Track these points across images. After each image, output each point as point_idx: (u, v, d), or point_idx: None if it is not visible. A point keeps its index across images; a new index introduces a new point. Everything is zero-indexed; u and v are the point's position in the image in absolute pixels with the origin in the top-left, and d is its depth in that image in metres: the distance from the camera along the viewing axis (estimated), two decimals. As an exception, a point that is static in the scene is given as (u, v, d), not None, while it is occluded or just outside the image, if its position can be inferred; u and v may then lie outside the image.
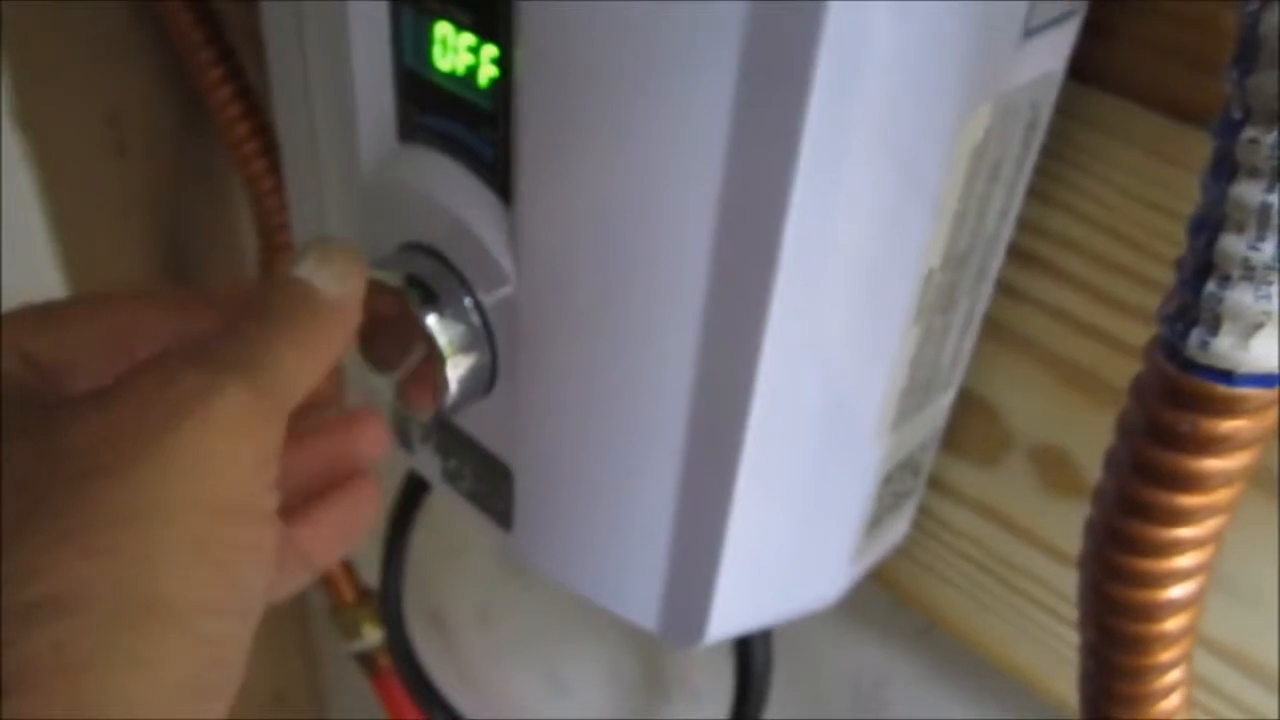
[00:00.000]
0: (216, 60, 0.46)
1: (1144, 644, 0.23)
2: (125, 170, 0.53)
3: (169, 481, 0.19)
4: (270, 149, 0.47)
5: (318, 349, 0.23)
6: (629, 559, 0.29)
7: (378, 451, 0.30)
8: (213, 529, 0.19)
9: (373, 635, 0.61)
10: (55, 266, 0.52)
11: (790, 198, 0.21)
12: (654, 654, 0.54)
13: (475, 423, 0.30)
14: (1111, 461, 0.22)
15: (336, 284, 0.24)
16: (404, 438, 0.34)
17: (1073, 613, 0.32)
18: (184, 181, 0.56)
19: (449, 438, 0.31)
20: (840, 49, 0.19)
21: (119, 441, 0.19)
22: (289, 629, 0.79)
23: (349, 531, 0.28)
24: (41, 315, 0.24)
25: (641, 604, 0.30)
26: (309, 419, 0.28)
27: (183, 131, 0.55)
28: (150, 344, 0.24)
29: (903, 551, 0.35)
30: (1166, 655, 0.23)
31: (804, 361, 0.24)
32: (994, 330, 0.30)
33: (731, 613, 0.29)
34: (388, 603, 0.50)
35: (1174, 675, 0.24)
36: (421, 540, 0.47)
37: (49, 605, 0.18)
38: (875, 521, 0.31)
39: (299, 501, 0.28)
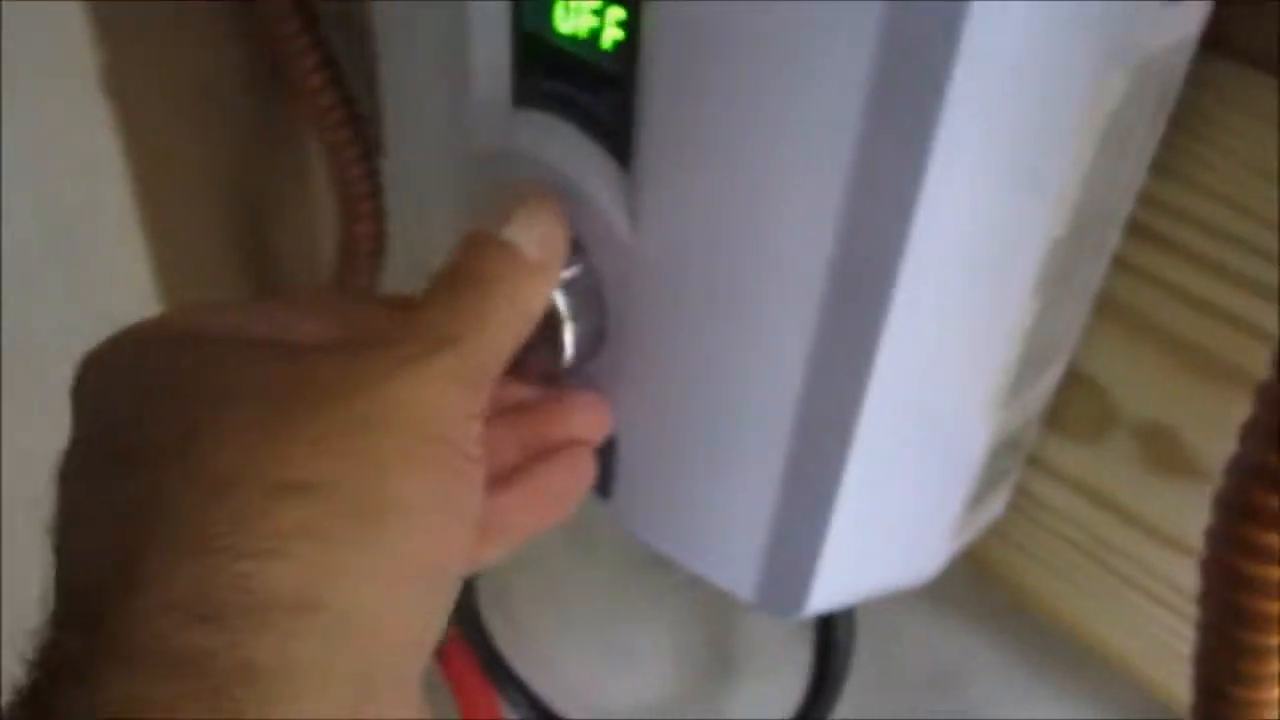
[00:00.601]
0: (301, 29, 0.46)
1: (1273, 621, 0.23)
2: (208, 139, 0.53)
3: (394, 409, 0.21)
4: (353, 119, 0.47)
5: (521, 315, 0.25)
6: (730, 528, 0.29)
7: (595, 435, 0.29)
8: (431, 449, 0.22)
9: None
10: (139, 232, 0.52)
11: (925, 171, 0.21)
12: (722, 628, 0.54)
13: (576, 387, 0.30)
14: (1250, 431, 0.21)
15: (539, 246, 0.25)
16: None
17: (1174, 598, 0.32)
18: (264, 152, 0.56)
19: (549, 405, 0.31)
20: (985, 16, 0.19)
21: (354, 375, 0.21)
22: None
23: (557, 501, 0.29)
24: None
25: (740, 573, 0.30)
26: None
27: (263, 101, 0.55)
28: None
29: (992, 529, 0.35)
30: (1294, 634, 0.23)
31: (925, 334, 0.24)
32: (1103, 304, 0.30)
33: (832, 586, 0.29)
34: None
35: (1300, 654, 0.23)
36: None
37: (299, 489, 0.20)
38: (977, 499, 0.30)
39: (508, 471, 0.28)
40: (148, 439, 0.21)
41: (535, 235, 0.25)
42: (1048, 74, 0.21)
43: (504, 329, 0.24)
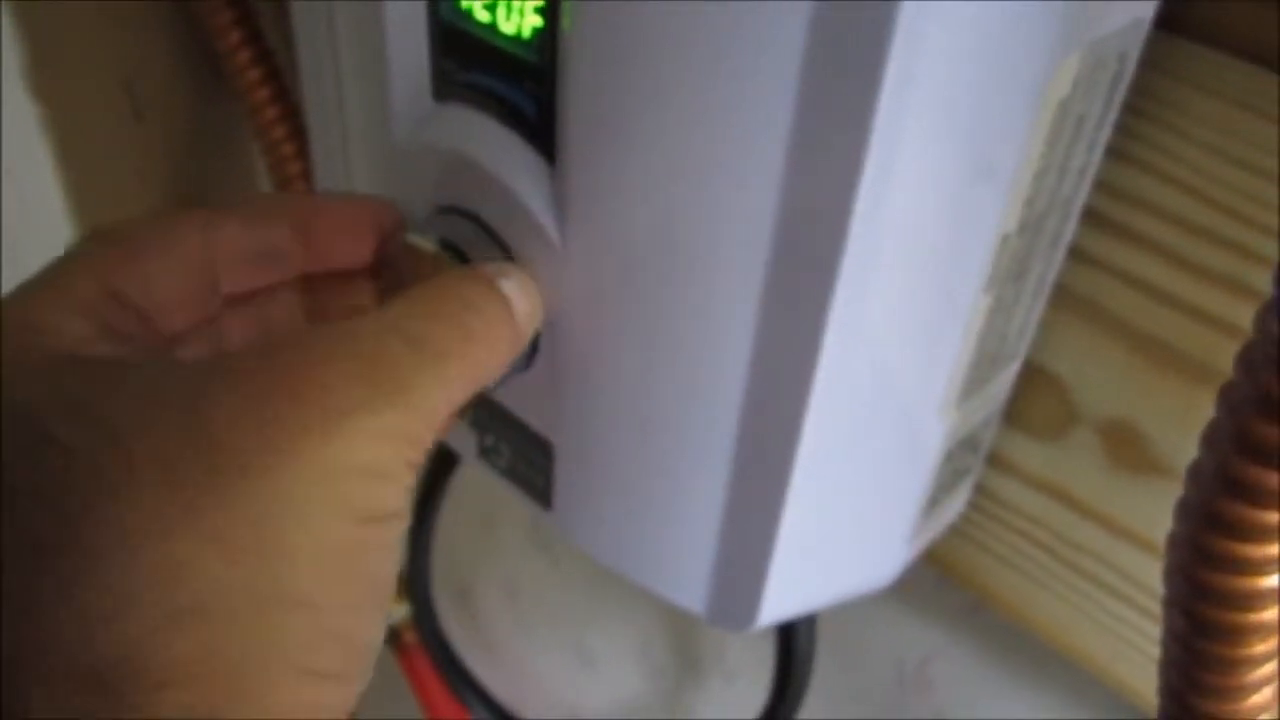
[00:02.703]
0: (236, 22, 0.44)
1: (1238, 634, 0.22)
2: (142, 136, 0.51)
3: (315, 486, 0.18)
4: (290, 114, 0.46)
5: (487, 370, 0.22)
6: (676, 541, 0.28)
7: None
8: (354, 533, 0.19)
9: (398, 611, 0.60)
10: (73, 233, 0.50)
11: (863, 163, 0.19)
12: (687, 631, 0.52)
13: (514, 397, 0.29)
14: (1213, 436, 0.20)
15: (525, 316, 0.24)
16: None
17: (1139, 596, 0.31)
18: (202, 148, 0.54)
19: (485, 412, 0.30)
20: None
21: (272, 441, 0.18)
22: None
23: None
24: (121, 247, 0.22)
25: (689, 587, 0.28)
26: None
27: (200, 97, 0.53)
28: (231, 270, 0.24)
29: (954, 529, 0.34)
30: (1262, 647, 0.22)
31: (870, 335, 0.23)
32: (1062, 298, 0.29)
33: (784, 597, 0.28)
34: (415, 578, 0.48)
35: (1268, 668, 0.22)
36: (448, 515, 0.46)
37: (197, 612, 0.18)
38: (934, 501, 0.29)
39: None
40: (17, 524, 0.18)
41: (525, 302, 0.23)
42: (995, 57, 0.20)
43: (469, 374, 0.22)
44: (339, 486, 0.19)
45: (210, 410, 0.18)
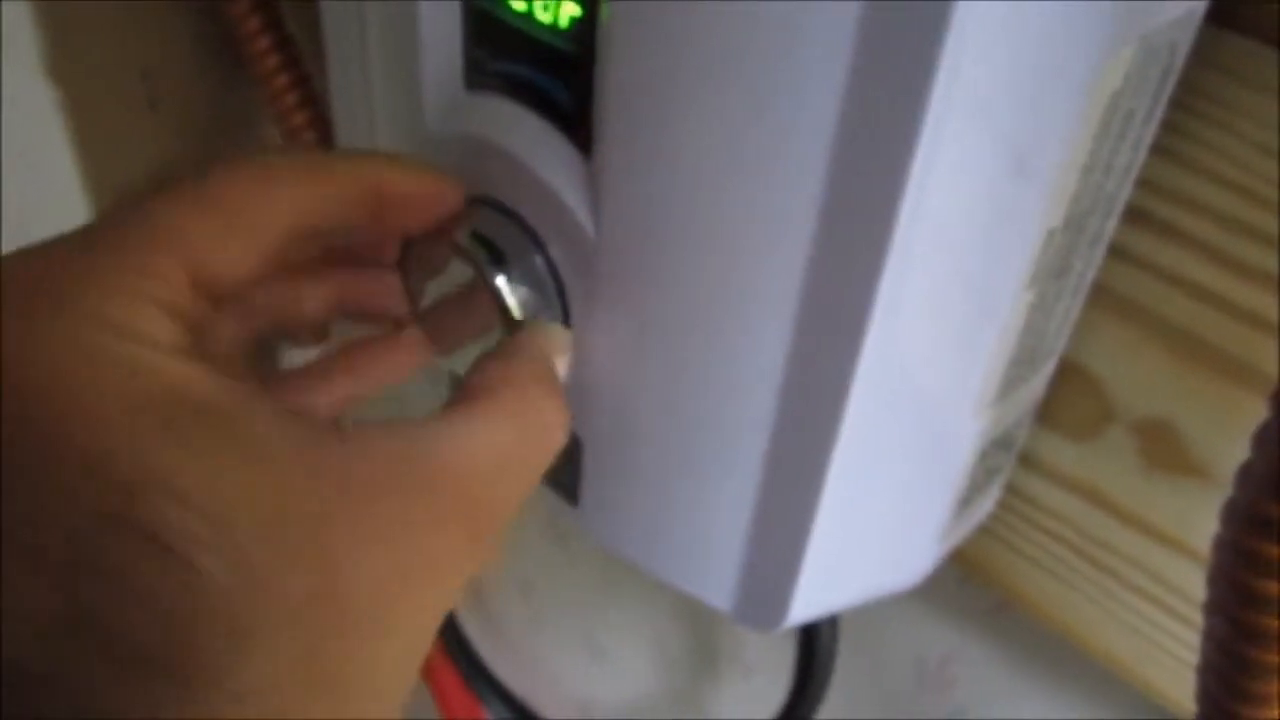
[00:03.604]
0: (254, 8, 0.44)
1: (1284, 640, 0.21)
2: (159, 124, 0.51)
3: (405, 636, 0.18)
4: (310, 101, 0.45)
5: (543, 459, 0.22)
6: (706, 539, 0.27)
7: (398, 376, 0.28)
8: (414, 668, 0.19)
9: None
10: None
11: (911, 159, 0.19)
12: (704, 626, 0.52)
13: (542, 391, 0.28)
14: (1265, 439, 0.20)
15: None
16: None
17: (1171, 598, 0.31)
18: (219, 136, 0.54)
19: (512, 407, 0.29)
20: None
21: (394, 601, 0.17)
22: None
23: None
24: (213, 214, 0.19)
25: (716, 585, 0.28)
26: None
27: (217, 85, 0.53)
28: (299, 235, 0.21)
29: (983, 529, 0.34)
30: (1308, 652, 0.21)
31: (910, 332, 0.22)
32: (1100, 296, 0.28)
33: (814, 596, 0.27)
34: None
35: (1314, 674, 0.22)
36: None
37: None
38: (966, 500, 0.29)
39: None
40: (116, 625, 0.15)
41: (563, 373, 0.24)
42: (1046, 53, 0.19)
43: (526, 494, 0.21)
44: (422, 629, 0.19)
45: (342, 551, 0.17)
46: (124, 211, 0.18)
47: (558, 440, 0.22)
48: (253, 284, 0.20)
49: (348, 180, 0.22)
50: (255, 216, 0.20)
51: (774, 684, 0.40)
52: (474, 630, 0.52)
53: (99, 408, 0.15)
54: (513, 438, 0.20)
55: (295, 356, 0.50)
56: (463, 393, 0.20)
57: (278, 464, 0.16)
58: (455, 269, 0.25)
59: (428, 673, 0.60)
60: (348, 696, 0.17)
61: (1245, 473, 0.20)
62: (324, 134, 0.45)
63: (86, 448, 0.15)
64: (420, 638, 0.19)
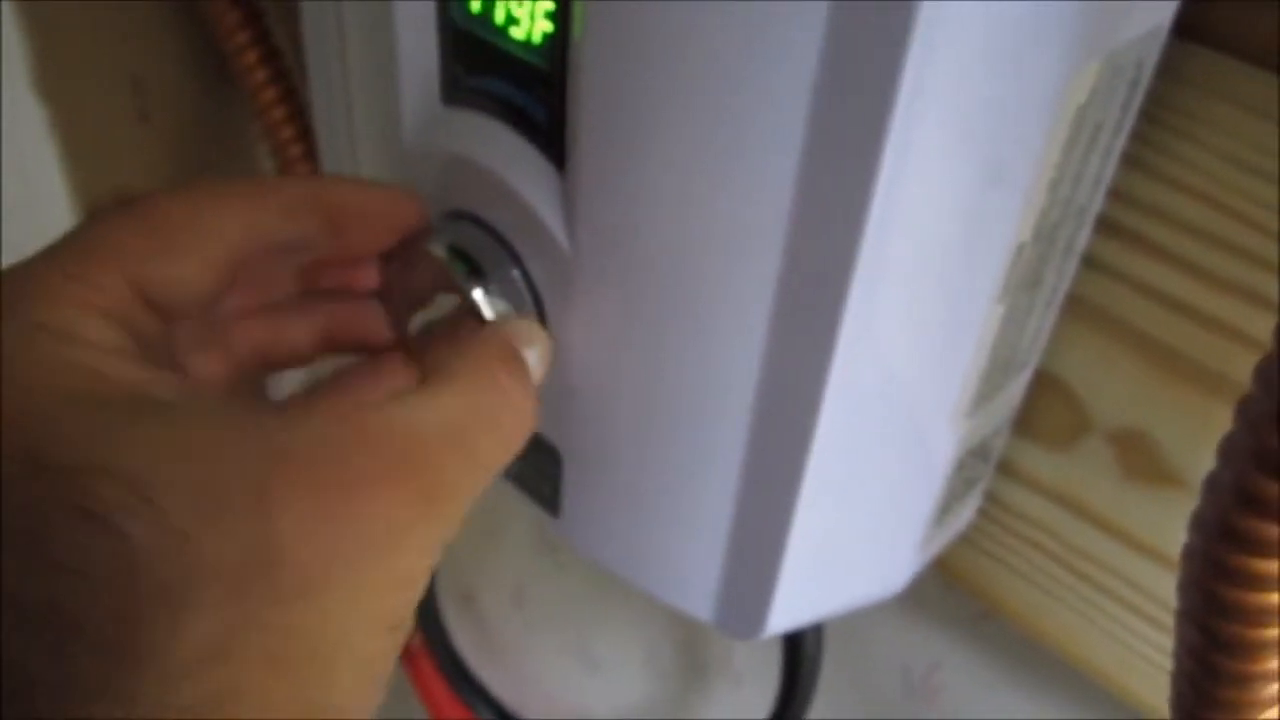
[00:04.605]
0: (243, 22, 0.44)
1: (1252, 650, 0.21)
2: (149, 136, 0.51)
3: (363, 602, 0.18)
4: (298, 114, 0.45)
5: (505, 462, 0.21)
6: (685, 549, 0.27)
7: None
8: (385, 642, 0.19)
9: (402, 614, 0.60)
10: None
11: (877, 171, 0.19)
12: (693, 636, 0.52)
13: (522, 403, 0.28)
14: (1230, 450, 0.20)
15: (540, 381, 0.23)
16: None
17: (1149, 606, 0.31)
18: (208, 148, 0.54)
19: (493, 419, 0.30)
20: (940, 3, 0.17)
21: (334, 559, 0.17)
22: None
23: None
24: (153, 235, 0.20)
25: (697, 595, 0.28)
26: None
27: (207, 97, 0.53)
28: (254, 262, 0.22)
29: (963, 537, 0.34)
30: (1276, 663, 0.22)
31: (882, 344, 0.22)
32: (1074, 307, 0.28)
33: (793, 605, 0.27)
34: (421, 583, 0.48)
35: (1283, 683, 0.22)
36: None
37: None
38: (945, 510, 0.29)
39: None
40: (57, 601, 0.16)
41: (540, 370, 0.23)
42: (1013, 65, 0.19)
43: (497, 469, 0.21)
44: (381, 601, 0.18)
45: (278, 515, 0.17)
46: (72, 230, 0.19)
47: (521, 423, 0.21)
48: (209, 299, 0.21)
49: (294, 195, 0.22)
50: (199, 233, 0.20)
51: (764, 693, 0.40)
52: (465, 639, 0.53)
53: (37, 405, 0.16)
54: (463, 409, 0.20)
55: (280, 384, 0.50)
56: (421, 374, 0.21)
57: (210, 436, 0.17)
58: (440, 296, 0.26)
59: (418, 680, 0.60)
60: (308, 676, 0.17)
61: (1212, 483, 0.21)
62: (312, 147, 0.46)
63: (24, 444, 0.16)
64: (384, 610, 0.18)
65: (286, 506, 0.17)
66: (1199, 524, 0.21)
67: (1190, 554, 0.22)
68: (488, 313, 0.25)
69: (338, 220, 0.23)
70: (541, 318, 0.25)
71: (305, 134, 0.45)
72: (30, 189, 0.49)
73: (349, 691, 0.18)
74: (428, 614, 0.51)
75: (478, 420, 0.20)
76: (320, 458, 0.18)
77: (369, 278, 0.26)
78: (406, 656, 0.60)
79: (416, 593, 0.19)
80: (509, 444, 0.21)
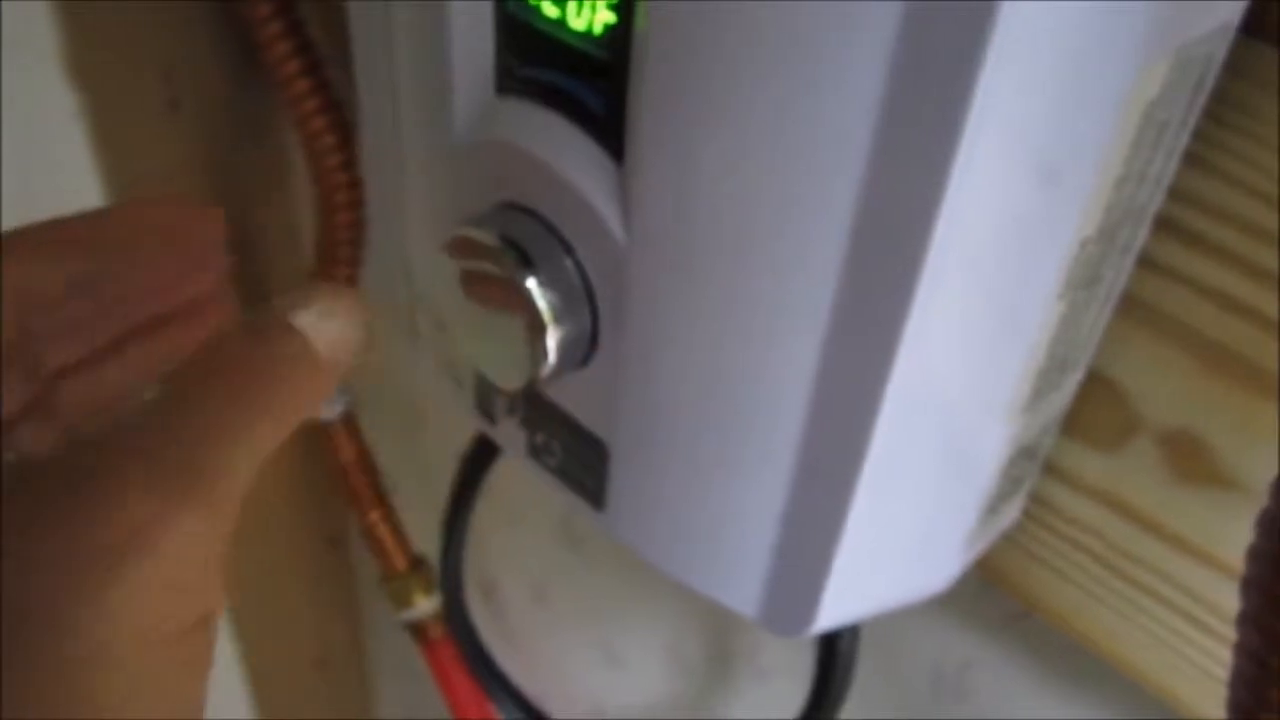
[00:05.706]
0: (277, 13, 0.44)
1: (1318, 652, 0.21)
2: (179, 126, 0.51)
3: (123, 621, 0.17)
4: (332, 106, 0.45)
5: (288, 423, 0.20)
6: (734, 544, 0.27)
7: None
8: (163, 655, 0.18)
9: (425, 604, 0.60)
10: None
11: (949, 169, 0.19)
12: (718, 631, 0.52)
13: (569, 395, 0.28)
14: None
15: (329, 346, 0.20)
16: (486, 409, 0.32)
17: (1196, 609, 0.31)
18: (239, 138, 0.54)
19: (538, 410, 0.30)
20: (1019, 3, 0.17)
21: (74, 587, 0.17)
22: (333, 596, 0.78)
23: None
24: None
25: (743, 591, 0.28)
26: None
27: (238, 87, 0.53)
28: (49, 317, 0.21)
29: (1006, 538, 0.34)
30: (1342, 665, 0.21)
31: (946, 338, 0.22)
32: (1128, 306, 0.28)
33: (841, 602, 0.27)
34: (447, 573, 0.48)
35: (1347, 686, 0.22)
36: (476, 509, 0.46)
37: None
38: (993, 508, 0.29)
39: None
40: None
41: (332, 329, 0.21)
42: (1085, 64, 0.19)
43: (271, 433, 0.19)
44: (146, 613, 0.17)
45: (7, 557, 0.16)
46: None
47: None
48: None
49: (60, 237, 0.22)
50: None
51: (791, 688, 0.40)
52: (488, 634, 0.52)
53: None
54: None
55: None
56: None
57: None
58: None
59: (437, 671, 0.60)
60: (48, 698, 0.17)
61: (1279, 482, 0.20)
62: (342, 138, 0.46)
63: None
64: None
65: (16, 551, 0.17)
66: (1266, 523, 0.21)
67: (1256, 555, 0.21)
68: (540, 303, 0.25)
69: (126, 247, 0.22)
70: (593, 309, 0.25)
71: (339, 125, 0.45)
72: (60, 176, 0.49)
73: (129, 714, 0.17)
74: (453, 603, 0.51)
75: (221, 395, 0.19)
76: (54, 488, 0.17)
77: (185, 296, 0.25)
78: (427, 645, 0.60)
79: (195, 595, 0.18)
80: (287, 407, 0.20)
